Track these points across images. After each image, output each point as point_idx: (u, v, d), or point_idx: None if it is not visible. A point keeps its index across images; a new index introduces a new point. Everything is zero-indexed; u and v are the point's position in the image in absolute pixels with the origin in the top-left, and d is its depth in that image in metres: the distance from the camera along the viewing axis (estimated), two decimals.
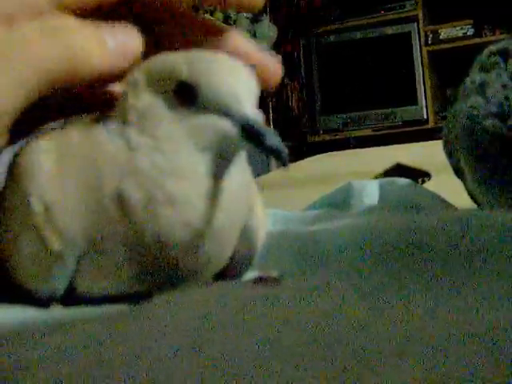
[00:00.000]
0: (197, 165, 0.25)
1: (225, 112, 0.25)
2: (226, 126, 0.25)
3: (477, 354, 0.14)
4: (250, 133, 0.24)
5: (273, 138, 0.24)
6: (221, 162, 0.25)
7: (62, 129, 0.28)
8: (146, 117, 0.25)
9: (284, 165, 0.24)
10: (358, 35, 3.08)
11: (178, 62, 0.26)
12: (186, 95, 0.25)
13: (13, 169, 0.28)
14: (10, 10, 0.25)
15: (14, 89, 0.24)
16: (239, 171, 0.27)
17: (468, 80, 0.43)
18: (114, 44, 0.26)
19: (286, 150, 0.24)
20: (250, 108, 0.25)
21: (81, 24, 0.26)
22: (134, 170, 0.25)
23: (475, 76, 0.41)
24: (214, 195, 0.25)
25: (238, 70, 0.26)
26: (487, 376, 0.13)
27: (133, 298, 0.26)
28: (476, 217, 0.34)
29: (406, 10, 3.00)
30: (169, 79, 0.26)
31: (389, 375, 0.13)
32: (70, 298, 0.28)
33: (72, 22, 0.25)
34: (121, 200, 0.25)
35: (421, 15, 2.96)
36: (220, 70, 0.25)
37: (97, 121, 0.27)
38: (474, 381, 0.13)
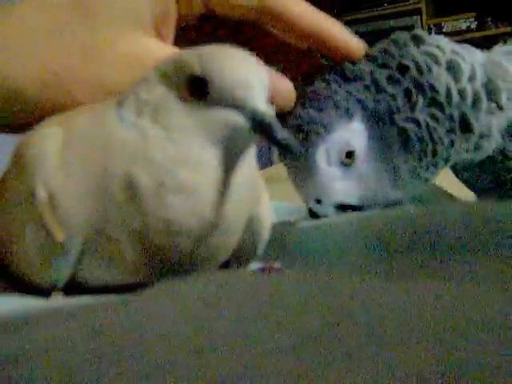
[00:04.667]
0: (207, 156, 0.25)
1: (236, 105, 0.25)
2: (237, 119, 0.25)
3: (486, 342, 0.14)
4: (260, 126, 0.25)
5: (282, 132, 0.24)
6: (231, 154, 0.26)
7: (68, 116, 0.28)
8: (159, 109, 0.26)
9: (292, 157, 0.24)
10: (361, 28, 3.07)
11: (190, 55, 0.26)
12: (197, 88, 0.25)
13: (16, 157, 0.28)
14: None
15: None
16: (248, 163, 0.27)
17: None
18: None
19: (296, 144, 0.24)
20: (261, 102, 0.25)
21: None
22: (145, 158, 0.25)
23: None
24: (223, 186, 0.26)
25: (250, 64, 0.26)
26: (501, 362, 0.13)
27: (137, 288, 0.26)
28: (477, 208, 0.34)
29: (409, 3, 2.99)
30: (181, 73, 0.26)
31: (400, 357, 0.13)
32: (72, 287, 0.28)
33: None
34: (130, 186, 0.25)
35: (424, 8, 2.95)
36: (232, 63, 0.26)
37: (108, 110, 0.27)
38: (487, 367, 0.13)
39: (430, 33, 0.43)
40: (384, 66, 0.39)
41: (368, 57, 0.39)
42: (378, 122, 0.38)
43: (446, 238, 0.31)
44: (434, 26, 2.92)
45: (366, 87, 0.38)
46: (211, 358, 0.14)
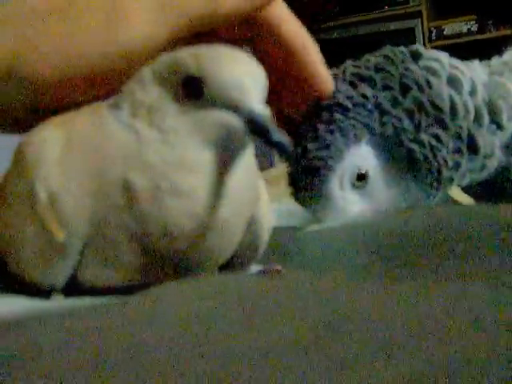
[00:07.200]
0: (202, 158, 0.25)
1: (231, 106, 0.25)
2: (232, 120, 0.25)
3: (477, 348, 0.14)
4: (256, 128, 0.25)
5: (278, 133, 0.24)
6: (226, 156, 0.26)
7: (68, 117, 0.28)
8: (154, 110, 0.26)
9: (288, 160, 0.24)
10: (362, 31, 3.08)
11: (186, 55, 0.26)
12: (192, 89, 0.25)
13: (17, 157, 0.28)
14: None
15: (159, 26, 0.30)
16: (245, 164, 0.27)
17: None
18: None
19: (290, 146, 0.24)
20: (256, 102, 0.25)
21: None
22: (141, 161, 0.25)
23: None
24: (220, 188, 0.26)
25: (246, 64, 0.26)
26: (491, 370, 0.13)
27: (136, 289, 0.26)
28: (474, 212, 0.34)
29: (409, 5, 2.99)
30: (176, 73, 0.26)
31: (398, 358, 0.13)
32: (72, 288, 0.28)
33: None
34: (126, 189, 0.25)
35: (424, 11, 2.95)
36: (227, 64, 0.26)
37: (106, 111, 0.27)
38: (479, 365, 0.13)
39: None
40: (386, 87, 0.38)
41: (362, 78, 0.39)
42: (386, 143, 0.38)
43: (440, 244, 0.31)
44: (435, 28, 2.92)
45: (370, 112, 0.38)
46: (210, 360, 0.14)
